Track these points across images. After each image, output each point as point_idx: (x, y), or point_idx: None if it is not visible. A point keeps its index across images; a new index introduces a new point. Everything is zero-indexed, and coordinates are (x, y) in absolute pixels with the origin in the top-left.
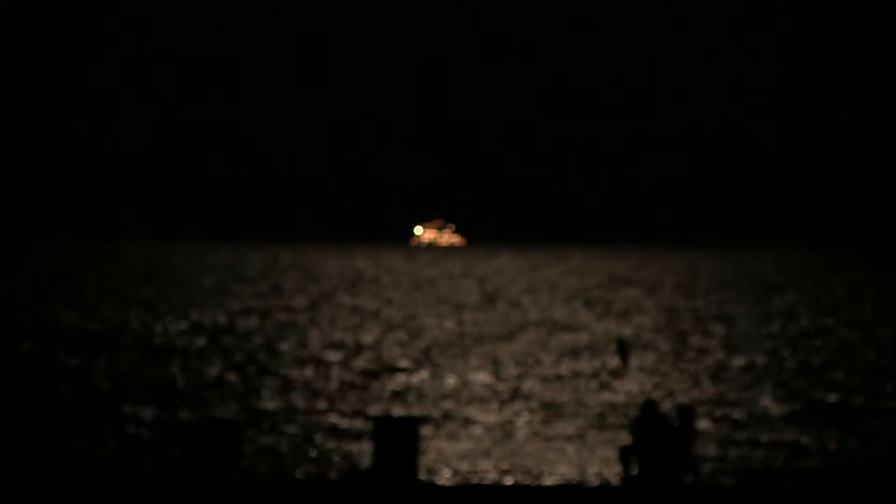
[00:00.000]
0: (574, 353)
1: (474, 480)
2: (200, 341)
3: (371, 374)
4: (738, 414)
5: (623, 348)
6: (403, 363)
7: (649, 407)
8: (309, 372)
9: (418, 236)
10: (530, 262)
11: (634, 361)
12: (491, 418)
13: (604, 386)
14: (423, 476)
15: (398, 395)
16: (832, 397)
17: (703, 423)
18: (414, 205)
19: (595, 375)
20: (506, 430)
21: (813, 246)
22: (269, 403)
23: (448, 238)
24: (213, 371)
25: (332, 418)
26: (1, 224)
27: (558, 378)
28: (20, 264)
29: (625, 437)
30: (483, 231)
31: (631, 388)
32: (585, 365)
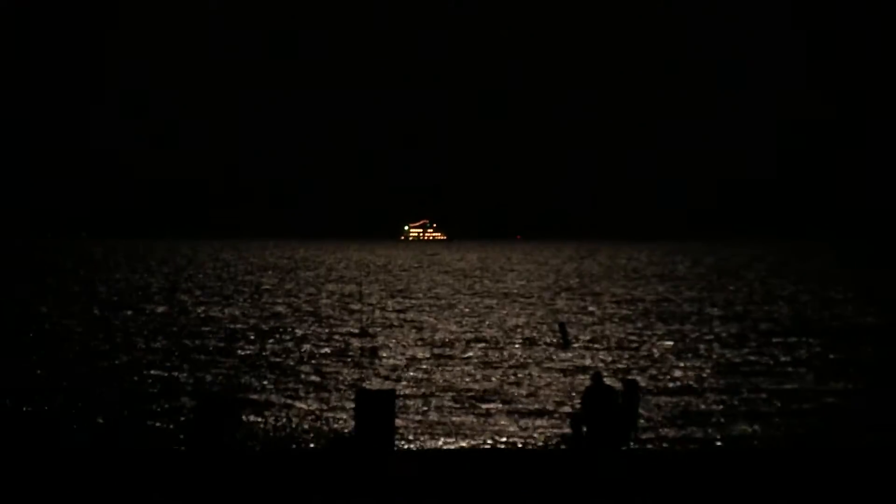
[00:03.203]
0: (529, 330)
1: (441, 445)
2: (204, 326)
3: (352, 352)
4: (677, 386)
5: (563, 329)
6: (380, 340)
7: (597, 379)
8: (298, 350)
9: (407, 232)
10: (501, 254)
11: (573, 340)
12: (456, 390)
13: (554, 360)
14: (398, 442)
15: (375, 370)
16: (769, 368)
17: (646, 394)
18: (405, 207)
19: (546, 352)
20: (468, 401)
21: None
22: (262, 380)
23: (431, 234)
24: (213, 351)
25: (318, 392)
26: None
27: (515, 353)
28: (18, 260)
29: (575, 406)
30: (460, 229)
31: (578, 362)
32: (538, 342)
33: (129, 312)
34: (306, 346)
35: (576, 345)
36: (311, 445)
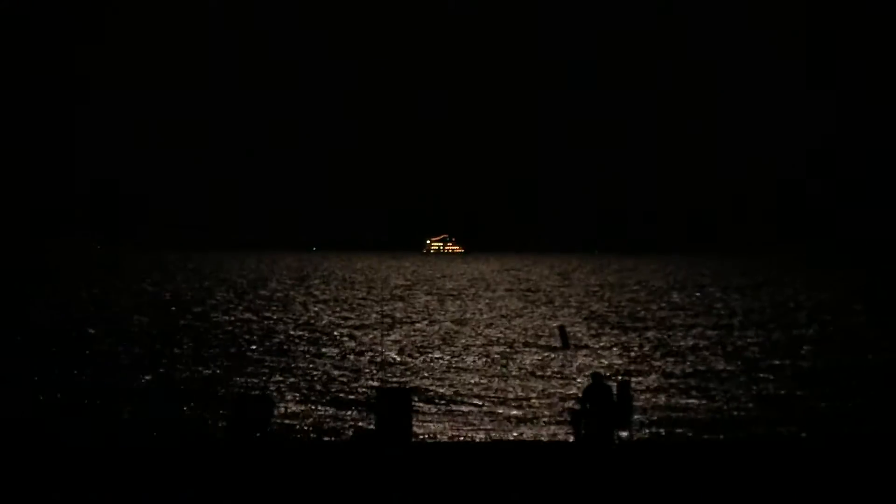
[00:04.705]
0: (531, 334)
1: (455, 438)
2: (242, 329)
3: (374, 353)
4: (664, 385)
5: (563, 333)
6: (399, 343)
7: (596, 379)
8: (325, 352)
9: (429, 246)
10: (511, 265)
11: (572, 342)
12: (467, 388)
13: (555, 362)
14: (415, 435)
15: (395, 370)
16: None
17: (638, 394)
18: (426, 222)
19: (549, 354)
20: (479, 398)
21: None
22: (292, 381)
23: (451, 247)
24: (250, 353)
25: (342, 390)
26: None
27: (521, 354)
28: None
29: (575, 404)
30: (478, 242)
31: (577, 363)
32: (541, 345)
33: (170, 320)
34: (332, 350)
35: (573, 347)
36: (338, 439)
